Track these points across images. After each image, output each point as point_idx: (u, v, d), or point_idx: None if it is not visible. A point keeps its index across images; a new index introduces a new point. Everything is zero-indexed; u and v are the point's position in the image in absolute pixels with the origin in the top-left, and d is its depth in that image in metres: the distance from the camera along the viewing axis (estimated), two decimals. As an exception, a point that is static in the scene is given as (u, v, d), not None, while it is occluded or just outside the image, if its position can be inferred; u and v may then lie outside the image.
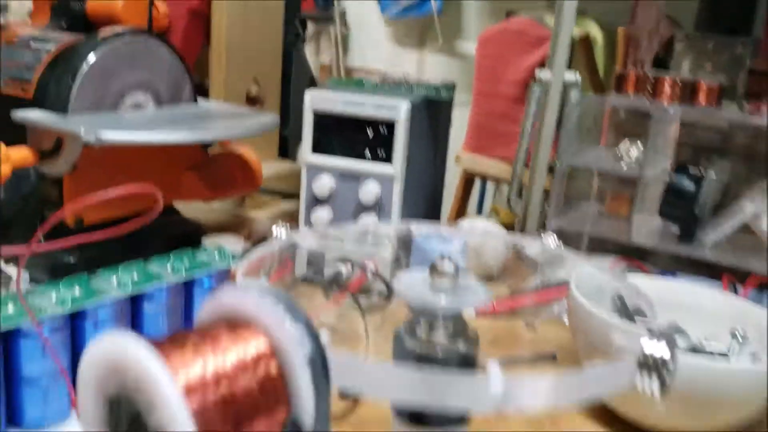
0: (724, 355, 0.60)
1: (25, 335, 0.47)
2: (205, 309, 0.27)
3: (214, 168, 0.84)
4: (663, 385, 0.30)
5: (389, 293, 0.70)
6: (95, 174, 0.68)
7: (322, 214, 0.75)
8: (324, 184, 0.75)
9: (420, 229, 0.73)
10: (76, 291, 0.51)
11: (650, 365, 0.30)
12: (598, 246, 0.82)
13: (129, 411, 0.23)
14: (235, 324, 0.26)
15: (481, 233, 0.83)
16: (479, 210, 2.46)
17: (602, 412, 0.59)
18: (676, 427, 0.56)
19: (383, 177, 0.74)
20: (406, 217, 0.77)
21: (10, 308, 0.47)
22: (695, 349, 0.59)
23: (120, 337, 0.23)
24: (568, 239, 0.84)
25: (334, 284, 0.71)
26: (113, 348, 0.23)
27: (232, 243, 0.81)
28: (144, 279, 0.54)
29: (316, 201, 0.76)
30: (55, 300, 0.49)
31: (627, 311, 0.62)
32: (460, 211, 2.00)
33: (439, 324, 0.35)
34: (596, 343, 0.57)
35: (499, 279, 0.81)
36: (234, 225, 0.94)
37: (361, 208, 0.74)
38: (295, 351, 0.25)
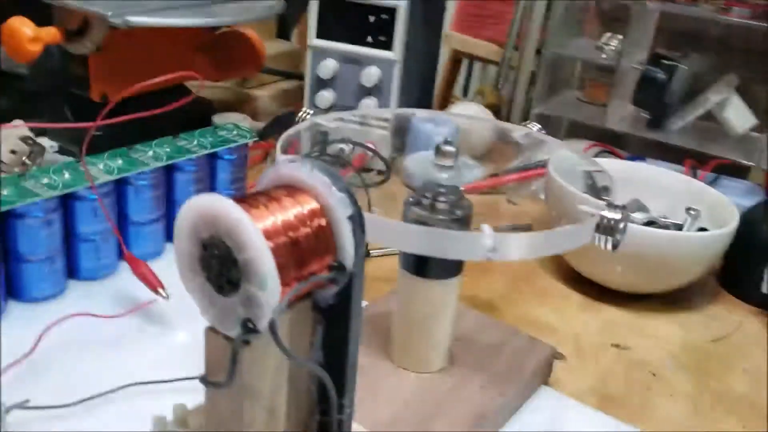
0: (678, 227, 0.70)
1: (80, 198, 0.55)
2: (266, 176, 0.34)
3: (221, 49, 0.89)
4: (615, 243, 0.39)
5: (388, 171, 0.78)
6: (119, 53, 0.74)
7: (326, 95, 0.81)
8: (328, 67, 0.81)
9: (418, 114, 0.80)
10: (120, 162, 0.58)
11: (606, 227, 0.39)
12: (576, 130, 0.90)
13: (219, 252, 0.31)
14: (291, 189, 0.34)
15: (471, 117, 0.90)
16: (465, 90, 2.50)
17: (570, 274, 0.69)
18: (633, 287, 0.66)
19: (384, 62, 0.80)
20: (404, 99, 0.83)
21: (67, 175, 0.55)
22: (653, 222, 0.68)
23: (213, 196, 0.31)
24: (549, 124, 0.92)
25: (338, 161, 0.79)
26: (208, 203, 0.30)
27: (240, 120, 0.87)
28: (175, 152, 0.61)
29: (320, 83, 0.82)
30: (104, 169, 0.56)
31: (595, 189, 0.71)
32: (447, 91, 2.04)
33: (441, 195, 0.43)
34: (567, 214, 0.66)
35: (484, 160, 0.89)
36: (238, 103, 1.00)
37: (363, 91, 0.81)
38: (340, 211, 0.32)
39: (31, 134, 0.67)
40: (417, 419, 0.44)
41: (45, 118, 0.77)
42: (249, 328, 0.31)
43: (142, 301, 0.55)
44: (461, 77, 2.28)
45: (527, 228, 0.75)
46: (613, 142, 0.88)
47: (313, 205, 0.33)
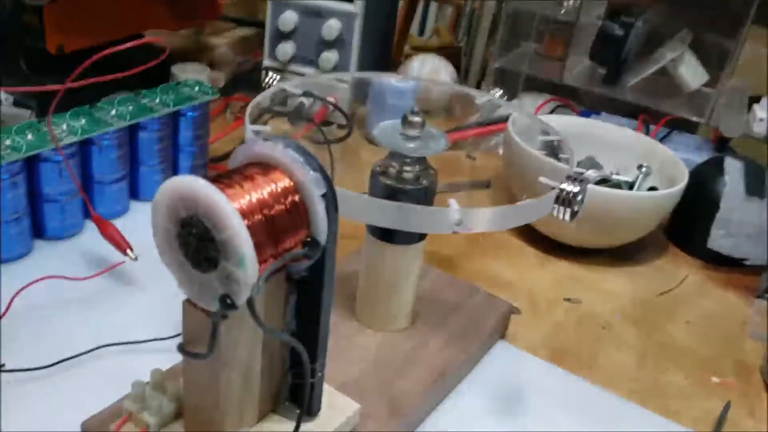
0: (630, 184, 0.72)
1: (45, 160, 0.55)
2: (239, 153, 0.35)
3: (179, -3, 0.88)
4: (573, 214, 0.41)
5: (349, 126, 0.79)
6: (74, 2, 0.72)
7: (286, 47, 0.81)
8: (288, 18, 0.80)
9: (380, 77, 0.80)
10: (83, 122, 0.58)
11: (565, 199, 0.40)
12: (533, 84, 0.91)
13: (197, 231, 0.32)
14: (265, 167, 0.34)
15: (430, 72, 0.91)
16: (421, 30, 2.48)
17: (526, 230, 0.71)
18: (586, 243, 0.69)
19: (344, 14, 0.80)
20: (364, 51, 0.83)
21: (30, 137, 0.54)
22: (606, 179, 0.71)
23: (191, 177, 0.32)
24: (507, 78, 0.93)
25: (298, 115, 0.79)
26: (187, 184, 0.31)
27: (199, 70, 0.86)
28: (138, 111, 0.61)
29: (280, 35, 0.81)
30: (67, 130, 0.56)
31: (553, 150, 0.73)
32: (403, 31, 2.03)
33: (407, 165, 0.45)
34: (526, 175, 0.68)
35: (443, 114, 0.91)
36: (196, 51, 0.98)
37: (323, 44, 0.80)
38: (314, 189, 0.34)
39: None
40: (382, 377, 0.46)
41: (-1, 69, 0.75)
42: (227, 303, 0.32)
43: (111, 262, 0.55)
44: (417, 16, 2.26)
45: (486, 184, 0.77)
46: (568, 97, 0.90)
47: (286, 182, 0.34)
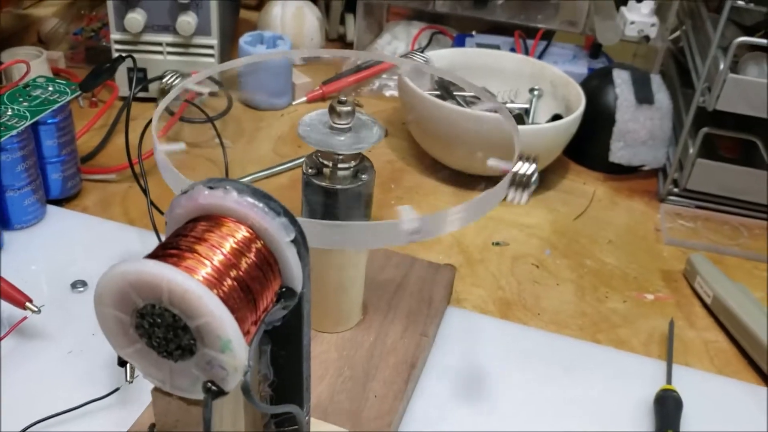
0: (526, 110, 0.72)
1: None
2: (178, 206, 0.30)
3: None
4: (528, 194, 0.38)
5: (229, 101, 0.72)
6: None
7: (135, 17, 0.72)
8: (130, -17, 0.71)
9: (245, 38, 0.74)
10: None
11: (520, 182, 0.38)
12: (404, 13, 0.87)
13: (162, 320, 0.27)
14: (212, 219, 0.29)
15: (294, 16, 0.84)
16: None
17: (437, 167, 0.69)
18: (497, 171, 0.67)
19: (195, -29, 0.71)
20: (223, 6, 0.76)
21: None
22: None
23: (143, 262, 0.26)
24: (373, 10, 0.89)
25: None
26: (140, 271, 0.26)
27: (33, 54, 0.75)
28: (-8, 131, 0.52)
29: (126, 3, 0.72)
30: None
31: (447, 89, 0.70)
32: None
33: (342, 161, 0.40)
34: (424, 118, 0.66)
35: (322, 62, 0.85)
36: (21, 29, 0.86)
37: (178, 7, 0.72)
38: (282, 236, 0.29)
39: None
40: (355, 384, 0.44)
41: None
42: (214, 391, 0.28)
43: (10, 319, 0.48)
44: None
45: (384, 133, 0.73)
46: (441, 23, 0.87)
47: (244, 231, 0.30)
